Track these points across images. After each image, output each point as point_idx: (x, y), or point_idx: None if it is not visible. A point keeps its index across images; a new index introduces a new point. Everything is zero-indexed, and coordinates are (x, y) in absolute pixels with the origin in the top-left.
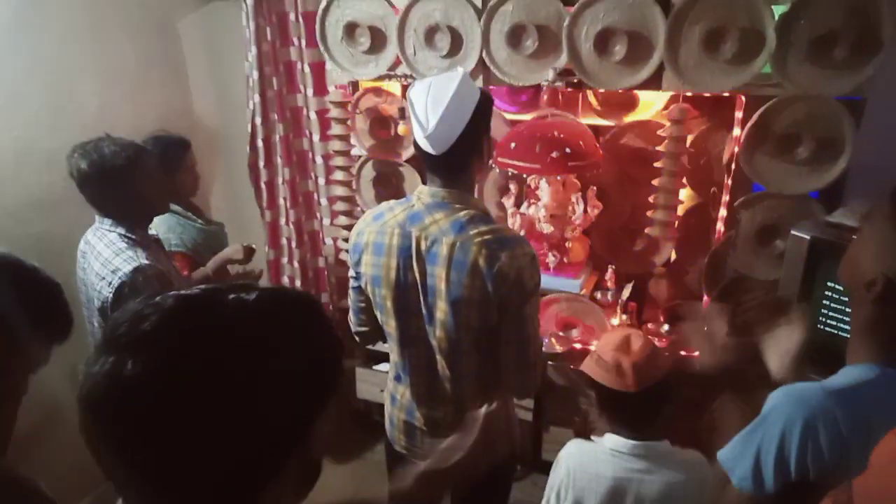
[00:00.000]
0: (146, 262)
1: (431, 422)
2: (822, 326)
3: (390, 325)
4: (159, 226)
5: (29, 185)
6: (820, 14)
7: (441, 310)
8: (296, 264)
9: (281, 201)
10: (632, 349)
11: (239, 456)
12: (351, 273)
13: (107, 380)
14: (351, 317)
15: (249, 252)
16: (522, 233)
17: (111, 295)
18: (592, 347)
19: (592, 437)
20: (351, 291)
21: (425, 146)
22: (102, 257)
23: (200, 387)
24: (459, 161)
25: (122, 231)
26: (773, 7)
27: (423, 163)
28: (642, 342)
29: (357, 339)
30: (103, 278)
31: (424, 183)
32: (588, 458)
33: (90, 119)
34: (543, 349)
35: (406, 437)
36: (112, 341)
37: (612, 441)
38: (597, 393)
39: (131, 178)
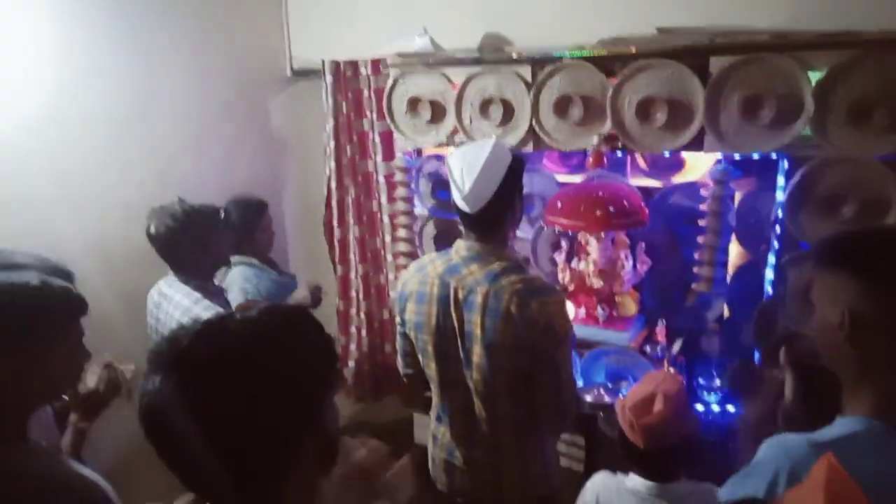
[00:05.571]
0: (221, 309)
1: (470, 461)
2: None
3: (431, 368)
4: (237, 276)
5: (131, 238)
6: (856, 80)
7: (477, 354)
8: (363, 315)
9: (351, 256)
10: (651, 410)
11: (268, 439)
12: (397, 320)
13: (154, 396)
14: (399, 360)
15: (317, 293)
16: (572, 287)
17: None
18: None
19: (618, 473)
20: (398, 337)
21: (462, 206)
22: (182, 306)
23: (227, 389)
24: (493, 218)
25: (196, 283)
26: (809, 73)
27: (461, 220)
28: (663, 405)
29: (405, 380)
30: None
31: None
32: (611, 493)
33: (191, 183)
34: (593, 399)
35: (447, 476)
36: (154, 362)
37: (633, 480)
38: (619, 436)
39: (207, 239)
